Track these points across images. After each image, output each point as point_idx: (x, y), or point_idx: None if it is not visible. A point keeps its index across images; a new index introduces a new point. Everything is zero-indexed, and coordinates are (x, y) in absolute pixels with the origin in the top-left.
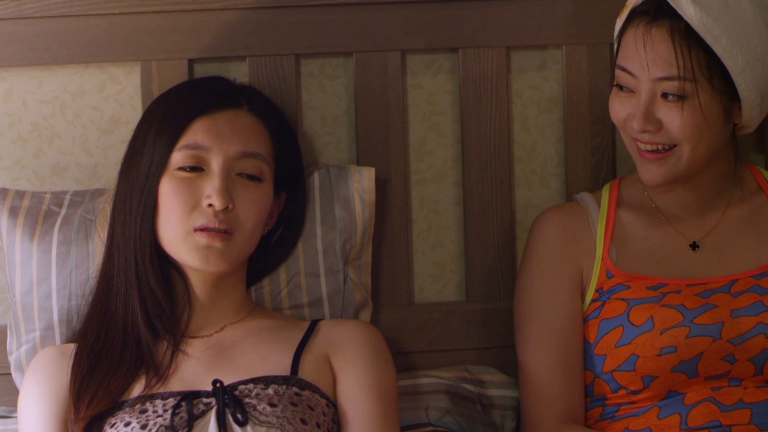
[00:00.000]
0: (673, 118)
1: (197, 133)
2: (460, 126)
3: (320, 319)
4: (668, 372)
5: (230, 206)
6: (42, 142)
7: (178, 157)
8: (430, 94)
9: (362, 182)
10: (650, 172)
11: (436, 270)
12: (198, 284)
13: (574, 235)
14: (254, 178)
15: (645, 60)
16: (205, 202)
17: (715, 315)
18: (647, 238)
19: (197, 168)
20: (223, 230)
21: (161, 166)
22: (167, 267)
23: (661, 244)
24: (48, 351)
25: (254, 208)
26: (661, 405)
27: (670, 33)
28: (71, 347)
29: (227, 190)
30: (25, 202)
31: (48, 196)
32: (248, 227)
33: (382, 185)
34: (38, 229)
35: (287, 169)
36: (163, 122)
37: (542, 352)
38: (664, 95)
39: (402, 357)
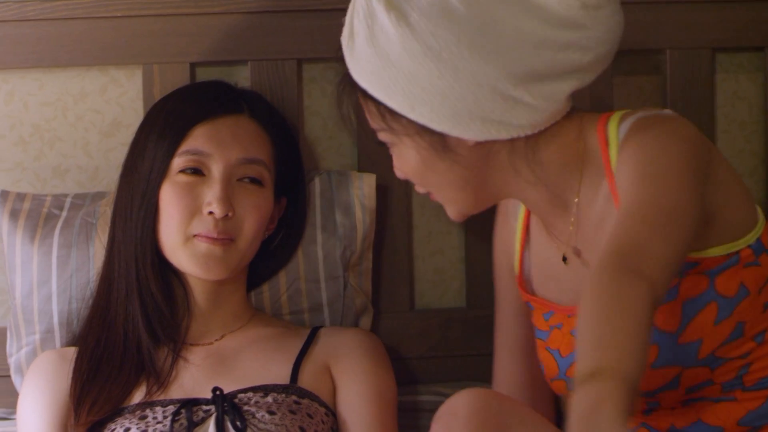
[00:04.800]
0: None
1: (198, 139)
2: None
3: (320, 327)
4: None
5: (230, 213)
6: (43, 145)
7: (179, 163)
8: None
9: (363, 188)
10: None
11: (437, 276)
12: (198, 291)
13: (505, 245)
14: (255, 183)
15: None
16: (205, 210)
17: None
18: (539, 251)
19: (198, 172)
20: (224, 238)
21: (162, 171)
22: (168, 273)
23: (545, 259)
24: (48, 355)
25: (255, 213)
26: None
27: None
28: (71, 351)
29: (228, 198)
30: (26, 205)
31: (49, 198)
32: (249, 233)
33: (383, 191)
34: (39, 231)
35: (288, 175)
36: (164, 127)
37: (502, 360)
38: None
39: (401, 363)
